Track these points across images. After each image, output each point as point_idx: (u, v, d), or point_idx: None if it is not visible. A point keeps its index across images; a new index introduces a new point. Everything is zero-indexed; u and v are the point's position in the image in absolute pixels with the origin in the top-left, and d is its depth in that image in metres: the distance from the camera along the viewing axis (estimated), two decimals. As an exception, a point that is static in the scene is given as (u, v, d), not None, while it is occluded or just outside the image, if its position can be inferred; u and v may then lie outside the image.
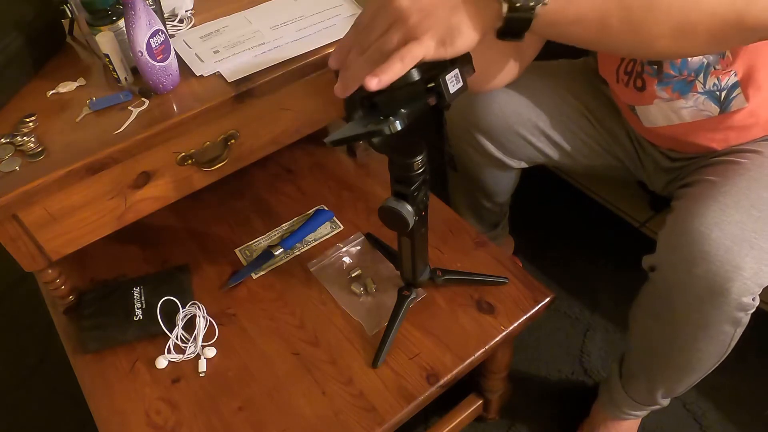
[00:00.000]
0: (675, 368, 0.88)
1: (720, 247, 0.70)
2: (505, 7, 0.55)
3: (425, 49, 0.55)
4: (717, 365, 0.84)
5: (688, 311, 0.76)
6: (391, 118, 0.57)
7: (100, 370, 0.86)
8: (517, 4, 0.55)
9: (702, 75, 0.79)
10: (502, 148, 1.02)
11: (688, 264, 0.72)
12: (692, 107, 0.82)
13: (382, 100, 0.63)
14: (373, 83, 0.54)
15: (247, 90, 0.83)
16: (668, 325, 0.82)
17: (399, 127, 0.57)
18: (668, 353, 0.86)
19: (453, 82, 0.61)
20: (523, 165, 1.08)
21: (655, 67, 0.82)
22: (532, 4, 0.55)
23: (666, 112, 0.85)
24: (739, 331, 0.77)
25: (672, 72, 0.80)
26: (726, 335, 0.77)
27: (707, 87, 0.79)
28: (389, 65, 0.54)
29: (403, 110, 0.59)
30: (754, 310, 0.74)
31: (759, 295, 0.72)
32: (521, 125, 0.99)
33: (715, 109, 0.81)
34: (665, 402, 0.97)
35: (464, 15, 0.56)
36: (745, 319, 0.74)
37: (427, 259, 0.86)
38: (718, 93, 0.79)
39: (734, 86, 0.78)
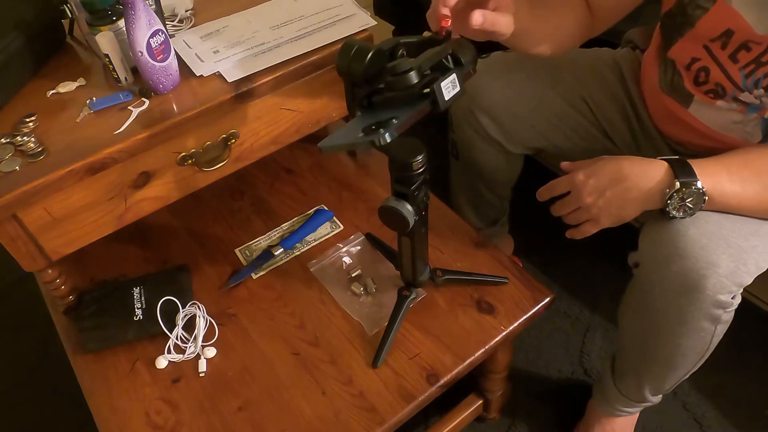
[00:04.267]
0: (659, 364, 0.88)
1: (696, 244, 0.71)
2: (672, 213, 0.72)
3: (598, 228, 0.79)
4: (702, 362, 0.85)
5: (667, 307, 0.77)
6: (381, 130, 0.57)
7: (100, 370, 0.86)
8: (679, 214, 0.72)
9: None
10: (502, 130, 1.02)
11: (666, 260, 0.73)
12: (742, 126, 0.82)
13: (379, 100, 0.65)
14: (568, 234, 0.83)
15: (247, 90, 0.83)
16: (650, 321, 0.82)
17: (388, 140, 0.57)
18: (652, 349, 0.86)
19: (449, 88, 0.62)
20: (523, 151, 1.08)
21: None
22: (692, 210, 0.72)
23: (718, 116, 0.83)
24: (721, 328, 0.77)
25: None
26: (705, 332, 0.77)
27: None
28: (576, 232, 0.82)
29: (394, 120, 0.59)
30: (734, 308, 0.74)
31: (757, 293, 0.72)
32: (522, 104, 0.99)
33: (758, 136, 0.81)
34: (656, 399, 0.98)
35: (633, 210, 0.75)
36: (725, 316, 0.75)
37: (427, 259, 0.86)
38: None
39: None
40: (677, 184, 0.71)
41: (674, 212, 0.72)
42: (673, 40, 0.83)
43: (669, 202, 0.71)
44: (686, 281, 0.72)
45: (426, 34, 0.74)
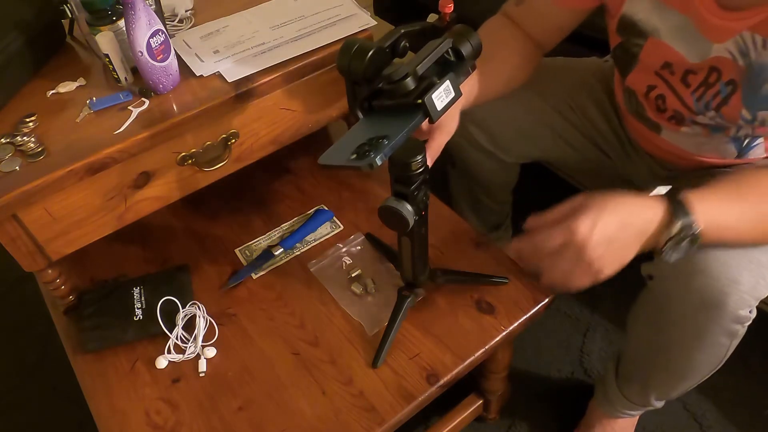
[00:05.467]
0: (669, 374, 0.88)
1: (717, 260, 0.70)
2: (667, 256, 0.67)
3: (598, 281, 0.67)
4: (712, 373, 0.84)
5: (685, 322, 0.76)
6: (372, 154, 0.58)
7: (100, 370, 0.86)
8: (674, 256, 0.67)
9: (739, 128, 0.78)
10: (493, 140, 1.02)
11: (685, 276, 0.72)
12: (713, 146, 0.82)
13: (378, 105, 0.67)
14: (565, 290, 0.69)
15: (247, 90, 0.83)
16: (664, 334, 0.81)
17: (379, 164, 0.57)
18: (663, 360, 0.86)
19: (442, 97, 0.62)
20: (516, 160, 1.07)
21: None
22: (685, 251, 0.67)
23: (688, 140, 0.84)
24: (735, 342, 0.76)
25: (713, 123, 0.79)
26: (722, 347, 0.77)
27: (739, 134, 0.79)
28: (573, 287, 0.68)
29: (386, 141, 0.59)
30: (750, 322, 0.73)
31: (758, 304, 0.72)
32: (511, 114, 0.99)
33: (733, 153, 0.81)
34: (659, 404, 0.97)
35: (631, 255, 0.66)
36: (742, 330, 0.74)
37: (427, 259, 0.86)
38: (742, 138, 0.79)
39: (758, 137, 0.79)
40: (675, 228, 0.66)
41: (669, 253, 0.67)
42: (628, 71, 0.84)
43: (667, 243, 0.66)
44: (708, 298, 0.71)
45: (431, 18, 0.74)
